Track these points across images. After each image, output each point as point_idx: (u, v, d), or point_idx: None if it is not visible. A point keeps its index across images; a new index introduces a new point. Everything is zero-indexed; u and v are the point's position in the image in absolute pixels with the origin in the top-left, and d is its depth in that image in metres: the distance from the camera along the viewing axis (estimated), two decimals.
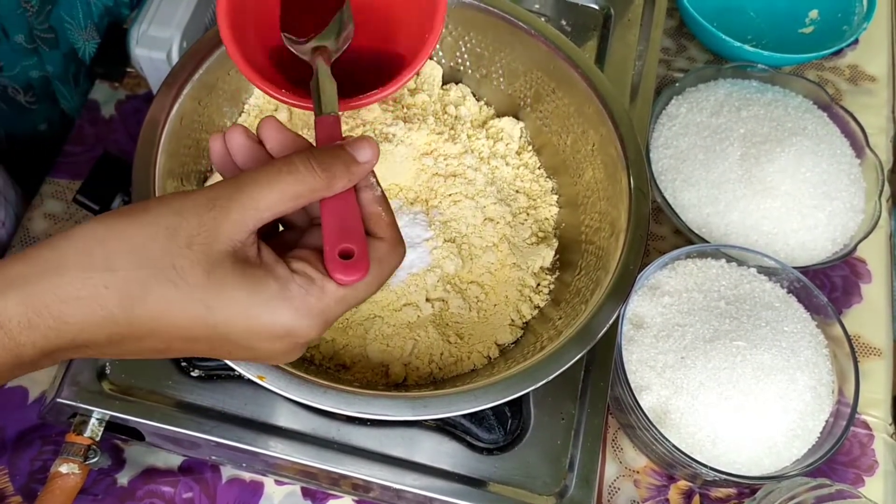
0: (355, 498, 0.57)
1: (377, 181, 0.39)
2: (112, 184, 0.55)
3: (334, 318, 0.36)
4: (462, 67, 0.64)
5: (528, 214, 0.60)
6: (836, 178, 0.68)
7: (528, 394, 0.51)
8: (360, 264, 0.35)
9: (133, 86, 0.72)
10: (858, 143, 0.71)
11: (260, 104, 0.60)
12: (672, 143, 0.70)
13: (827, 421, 0.58)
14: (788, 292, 0.62)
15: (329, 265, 0.35)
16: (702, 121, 0.70)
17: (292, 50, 0.45)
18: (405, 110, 0.62)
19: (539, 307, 0.56)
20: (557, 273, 0.58)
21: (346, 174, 0.36)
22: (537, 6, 0.72)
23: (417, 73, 0.41)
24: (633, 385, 0.57)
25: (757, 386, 0.56)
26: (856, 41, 0.83)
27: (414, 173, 0.59)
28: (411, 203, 0.58)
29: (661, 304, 0.60)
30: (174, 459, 0.57)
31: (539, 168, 0.62)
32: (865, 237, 0.66)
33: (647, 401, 0.57)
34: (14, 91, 0.68)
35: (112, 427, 0.51)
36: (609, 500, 0.59)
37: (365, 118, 0.59)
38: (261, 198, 0.34)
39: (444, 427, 0.52)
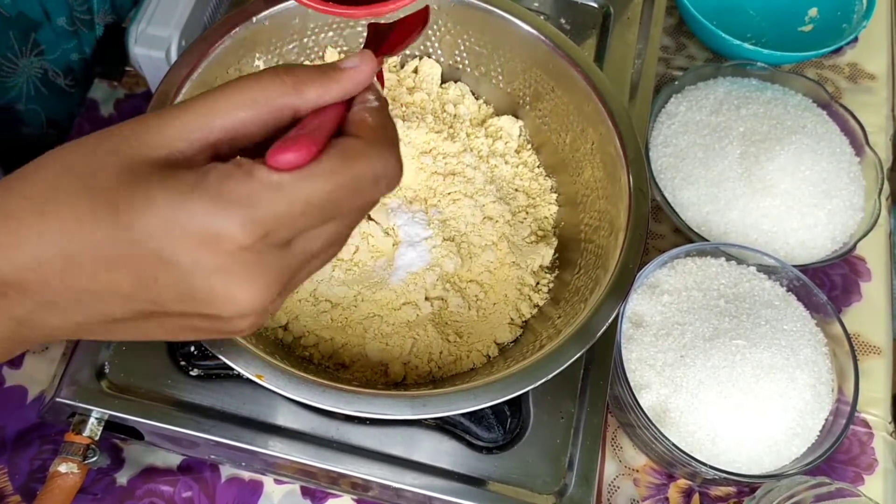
0: (355, 497, 0.57)
1: (379, 96, 0.33)
2: None
3: (272, 216, 0.28)
4: (461, 66, 0.64)
5: (527, 213, 0.60)
6: (836, 176, 0.67)
7: (527, 393, 0.51)
8: (302, 142, 0.28)
9: (132, 85, 0.72)
10: (858, 142, 0.70)
11: None
12: (671, 142, 0.70)
13: (826, 419, 0.58)
14: (788, 291, 0.62)
15: (268, 152, 0.29)
16: (701, 119, 0.70)
17: None
18: (404, 108, 0.62)
19: (538, 306, 0.56)
20: (557, 272, 0.58)
21: (320, 79, 0.31)
22: (536, 4, 0.72)
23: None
24: (632, 384, 0.57)
25: (756, 384, 0.56)
26: (855, 39, 0.82)
27: (413, 172, 0.59)
28: (410, 202, 0.58)
29: (660, 302, 0.60)
30: (173, 459, 0.57)
31: (538, 166, 0.62)
32: (865, 235, 0.66)
33: (646, 399, 0.57)
34: (54, 74, 0.67)
35: (111, 426, 0.51)
36: (609, 499, 0.59)
37: None
38: (213, 102, 0.29)
39: (443, 426, 0.52)
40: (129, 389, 0.51)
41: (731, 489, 0.60)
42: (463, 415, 0.51)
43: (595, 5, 0.72)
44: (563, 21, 0.71)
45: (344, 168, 0.29)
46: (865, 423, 0.63)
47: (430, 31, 0.63)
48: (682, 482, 0.60)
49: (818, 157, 0.67)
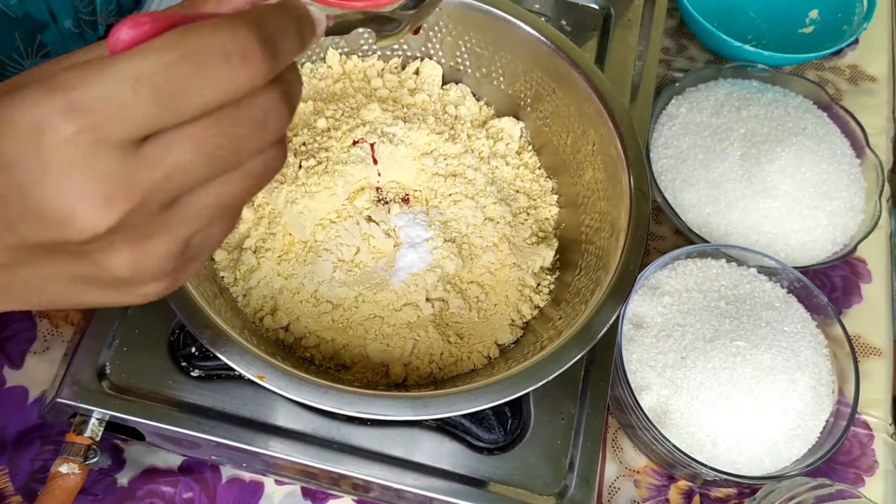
0: (355, 498, 0.57)
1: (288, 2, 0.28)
2: None
3: (95, 98, 0.23)
4: (462, 67, 0.64)
5: (528, 214, 0.60)
6: (837, 178, 0.68)
7: (528, 394, 0.51)
8: (137, 19, 0.24)
9: None
10: (858, 143, 0.71)
11: None
12: (672, 143, 0.70)
13: (827, 421, 0.58)
14: (788, 292, 0.62)
15: None
16: (702, 121, 0.70)
17: None
18: (405, 110, 0.62)
19: (539, 307, 0.56)
20: (557, 273, 0.58)
21: None
22: (537, 6, 0.72)
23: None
24: (633, 385, 0.57)
25: (757, 386, 0.56)
26: (856, 41, 0.82)
27: (414, 173, 0.59)
28: (411, 203, 0.58)
29: (661, 303, 0.60)
30: (174, 459, 0.57)
31: (539, 168, 0.62)
32: (865, 237, 0.66)
33: (647, 401, 0.57)
34: None
35: (112, 427, 0.51)
36: (609, 500, 0.59)
37: (365, 118, 0.59)
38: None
39: (444, 427, 0.52)
40: (130, 390, 0.51)
41: (732, 490, 0.60)
42: (464, 416, 0.51)
43: (596, 7, 0.72)
44: (563, 23, 0.71)
45: (182, 40, 0.24)
46: (866, 425, 0.63)
47: (431, 33, 0.63)
48: (683, 483, 0.60)
49: (819, 159, 0.67)
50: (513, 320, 0.55)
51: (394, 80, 0.64)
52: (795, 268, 0.62)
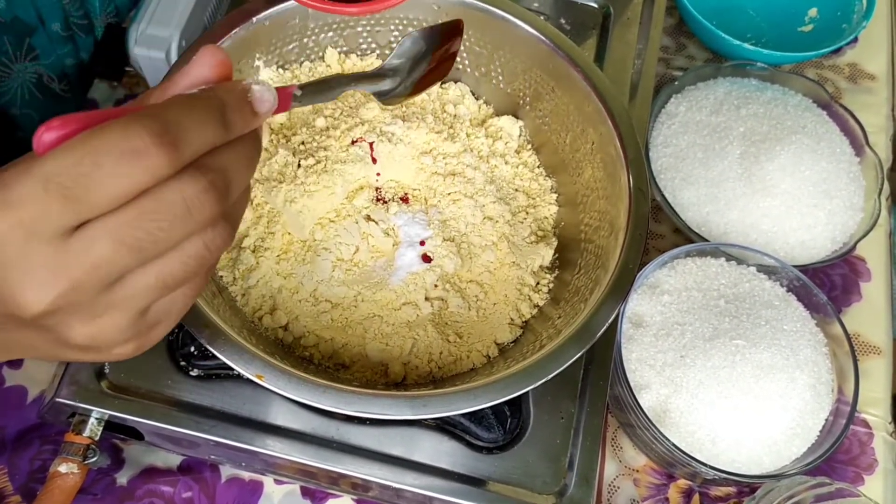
0: (355, 497, 0.57)
1: (210, 91, 0.30)
2: None
3: (22, 198, 0.26)
4: (461, 66, 0.64)
5: (527, 213, 0.60)
6: (836, 176, 0.68)
7: (527, 393, 0.51)
8: (57, 121, 0.27)
9: (132, 85, 0.72)
10: (858, 142, 0.71)
11: None
12: (671, 142, 0.70)
13: (826, 419, 0.58)
14: (788, 291, 0.62)
15: None
16: (701, 119, 0.70)
17: None
18: (404, 109, 0.62)
19: (538, 306, 0.56)
20: (557, 272, 0.58)
21: (164, 82, 0.30)
22: (536, 5, 0.72)
23: None
24: (632, 384, 0.57)
25: (756, 384, 0.56)
26: (855, 39, 0.82)
27: (413, 172, 0.59)
28: (410, 202, 0.58)
29: (660, 302, 0.60)
30: (173, 459, 0.57)
31: (538, 167, 0.62)
32: (865, 236, 0.66)
33: (646, 400, 0.57)
34: (49, 79, 0.67)
35: (111, 426, 0.51)
36: (609, 499, 0.59)
37: (364, 117, 0.59)
38: None
39: (443, 426, 0.52)
40: (129, 389, 0.51)
41: (731, 489, 0.60)
42: (463, 415, 0.51)
43: (595, 5, 0.72)
44: (563, 21, 0.71)
45: (85, 140, 0.26)
46: (865, 424, 0.63)
47: None
48: (682, 482, 0.60)
49: (818, 158, 0.67)
50: (512, 319, 0.55)
51: None
52: (795, 266, 0.62)
